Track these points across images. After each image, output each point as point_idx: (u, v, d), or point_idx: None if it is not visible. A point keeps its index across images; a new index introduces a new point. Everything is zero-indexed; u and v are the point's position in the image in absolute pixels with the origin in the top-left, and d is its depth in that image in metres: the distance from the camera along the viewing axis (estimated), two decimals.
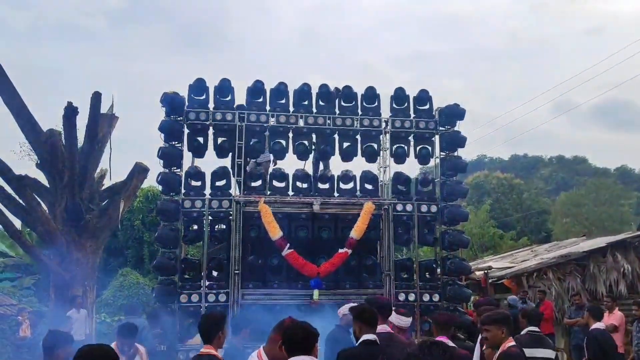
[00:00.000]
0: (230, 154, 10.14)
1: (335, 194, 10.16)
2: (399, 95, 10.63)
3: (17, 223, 13.72)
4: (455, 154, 10.63)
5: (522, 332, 5.45)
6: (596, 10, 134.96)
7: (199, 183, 9.87)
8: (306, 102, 10.32)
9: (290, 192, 10.07)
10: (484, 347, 4.79)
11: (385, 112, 10.59)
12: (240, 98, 10.28)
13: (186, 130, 9.94)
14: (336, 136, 10.42)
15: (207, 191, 9.85)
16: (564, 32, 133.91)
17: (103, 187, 13.84)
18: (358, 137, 10.47)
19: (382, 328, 4.79)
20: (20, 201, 12.31)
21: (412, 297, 9.76)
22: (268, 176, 10.11)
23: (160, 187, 10.16)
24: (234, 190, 9.99)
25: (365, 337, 4.32)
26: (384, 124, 10.45)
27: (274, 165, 10.61)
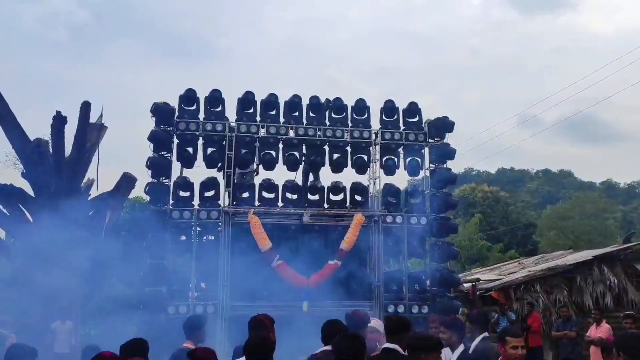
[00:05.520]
0: (220, 164, 10.11)
1: (325, 205, 10.17)
2: (389, 107, 10.70)
3: (1, 233, 13.51)
4: (445, 166, 10.70)
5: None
6: (554, 31, 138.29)
7: (187, 193, 9.83)
8: (296, 114, 10.34)
9: (280, 203, 10.05)
10: None
11: (375, 124, 10.67)
12: (231, 109, 10.30)
13: (176, 141, 9.91)
14: (326, 147, 10.44)
15: (196, 202, 9.80)
16: (526, 50, 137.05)
17: (90, 197, 13.69)
18: (348, 148, 10.51)
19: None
20: (5, 211, 12.13)
21: (401, 308, 9.75)
22: (257, 186, 10.09)
23: (148, 198, 10.08)
24: (223, 201, 9.94)
25: (386, 345, 4.35)
26: (373, 136, 10.50)
27: (257, 175, 10.58)
